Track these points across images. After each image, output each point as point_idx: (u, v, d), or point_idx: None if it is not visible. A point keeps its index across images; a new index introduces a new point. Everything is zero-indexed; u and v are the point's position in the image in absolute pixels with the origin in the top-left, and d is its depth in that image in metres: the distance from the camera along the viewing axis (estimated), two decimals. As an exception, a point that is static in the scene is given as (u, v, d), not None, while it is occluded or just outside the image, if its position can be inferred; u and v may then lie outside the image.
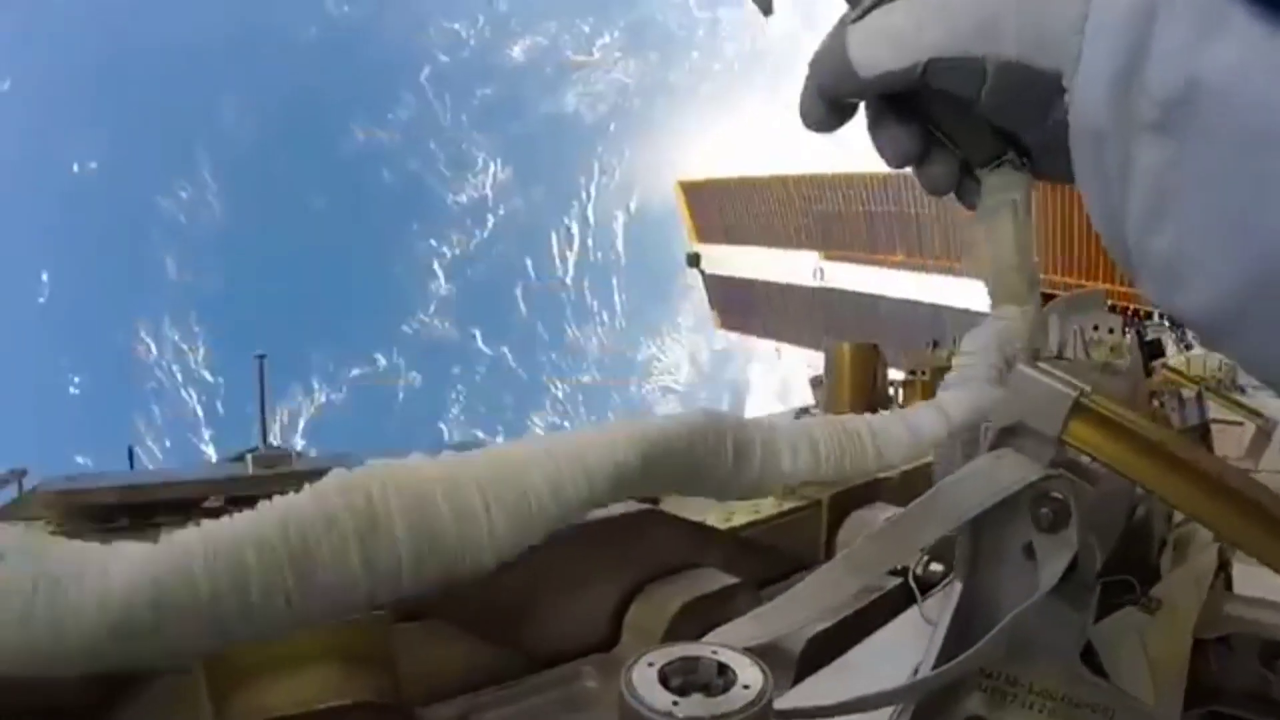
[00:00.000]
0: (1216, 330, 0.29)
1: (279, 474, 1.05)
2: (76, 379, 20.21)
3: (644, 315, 22.64)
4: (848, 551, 0.42)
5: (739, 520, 0.94)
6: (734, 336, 24.53)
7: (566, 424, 22.97)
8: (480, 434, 21.54)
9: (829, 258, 12.59)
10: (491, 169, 21.31)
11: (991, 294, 0.47)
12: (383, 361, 20.67)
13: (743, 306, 14.81)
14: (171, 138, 20.03)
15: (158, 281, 20.03)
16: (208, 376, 20.25)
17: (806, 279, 12.88)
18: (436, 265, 20.76)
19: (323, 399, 20.55)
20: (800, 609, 0.45)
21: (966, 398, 0.42)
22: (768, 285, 13.60)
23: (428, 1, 21.46)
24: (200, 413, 20.26)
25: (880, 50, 0.40)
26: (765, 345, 24.87)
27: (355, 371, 20.52)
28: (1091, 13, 0.31)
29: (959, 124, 0.43)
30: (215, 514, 1.18)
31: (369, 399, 20.54)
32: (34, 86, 20.32)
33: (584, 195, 21.97)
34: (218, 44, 20.48)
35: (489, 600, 0.66)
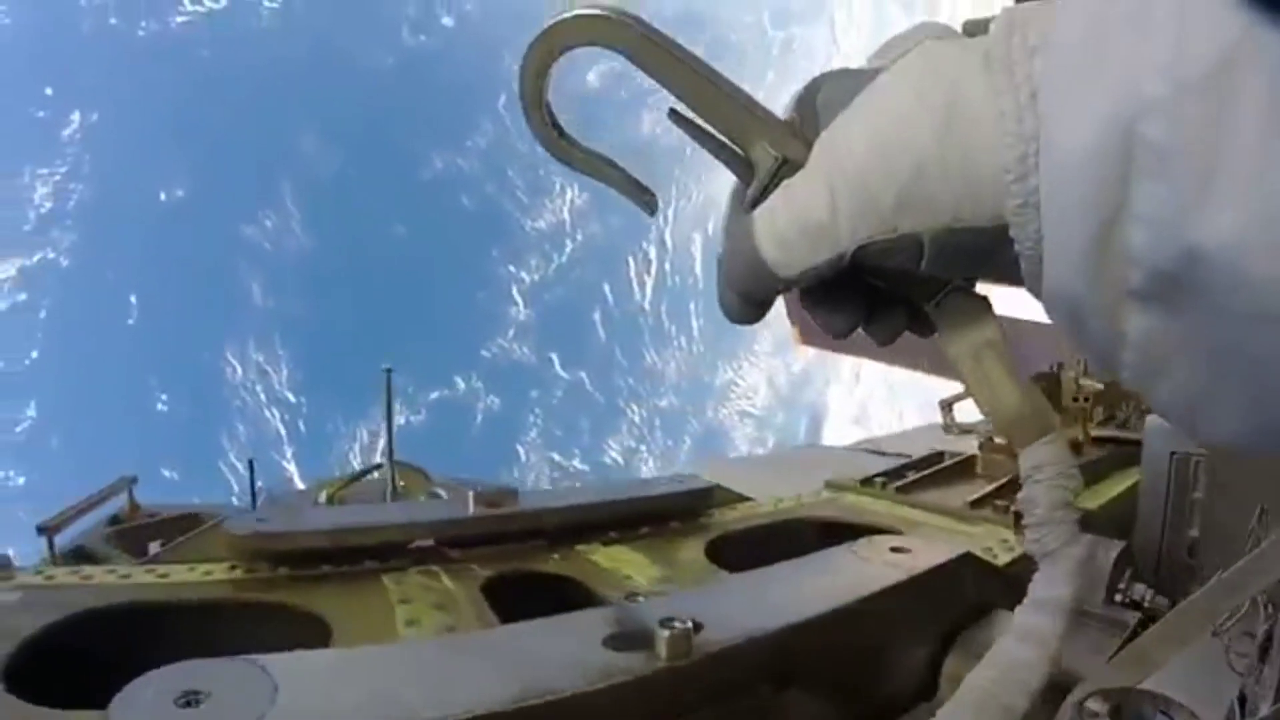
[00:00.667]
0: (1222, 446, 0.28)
1: (503, 514, 0.98)
2: (164, 396, 20.54)
3: (721, 339, 22.35)
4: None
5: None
6: (812, 358, 24.23)
7: (642, 447, 22.83)
8: (556, 456, 21.45)
9: None
10: (569, 194, 21.24)
11: (1009, 439, 0.44)
12: (462, 385, 20.67)
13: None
14: (254, 166, 20.33)
15: (243, 305, 20.30)
16: (290, 397, 20.47)
17: None
18: (515, 290, 20.73)
19: (402, 420, 20.61)
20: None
21: (1065, 591, 0.44)
22: None
23: (500, 29, 21.47)
24: (283, 431, 20.50)
25: (796, 248, 0.37)
26: (844, 368, 24.49)
27: (434, 394, 20.55)
28: (1043, 163, 0.29)
29: (901, 276, 0.39)
30: (424, 556, 1.00)
31: (448, 421, 20.57)
32: (121, 118, 20.77)
33: (661, 219, 21.76)
34: (296, 74, 20.77)
35: (840, 660, 0.65)
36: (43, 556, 2.36)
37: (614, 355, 21.46)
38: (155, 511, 3.19)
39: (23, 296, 21.10)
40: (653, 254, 21.64)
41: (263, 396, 20.35)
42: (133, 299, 20.43)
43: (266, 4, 20.78)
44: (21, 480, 20.42)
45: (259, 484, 2.96)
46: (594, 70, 21.99)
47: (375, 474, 2.97)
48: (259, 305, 20.25)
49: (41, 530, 2.55)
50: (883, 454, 3.57)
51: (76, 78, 21.09)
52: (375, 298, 20.21)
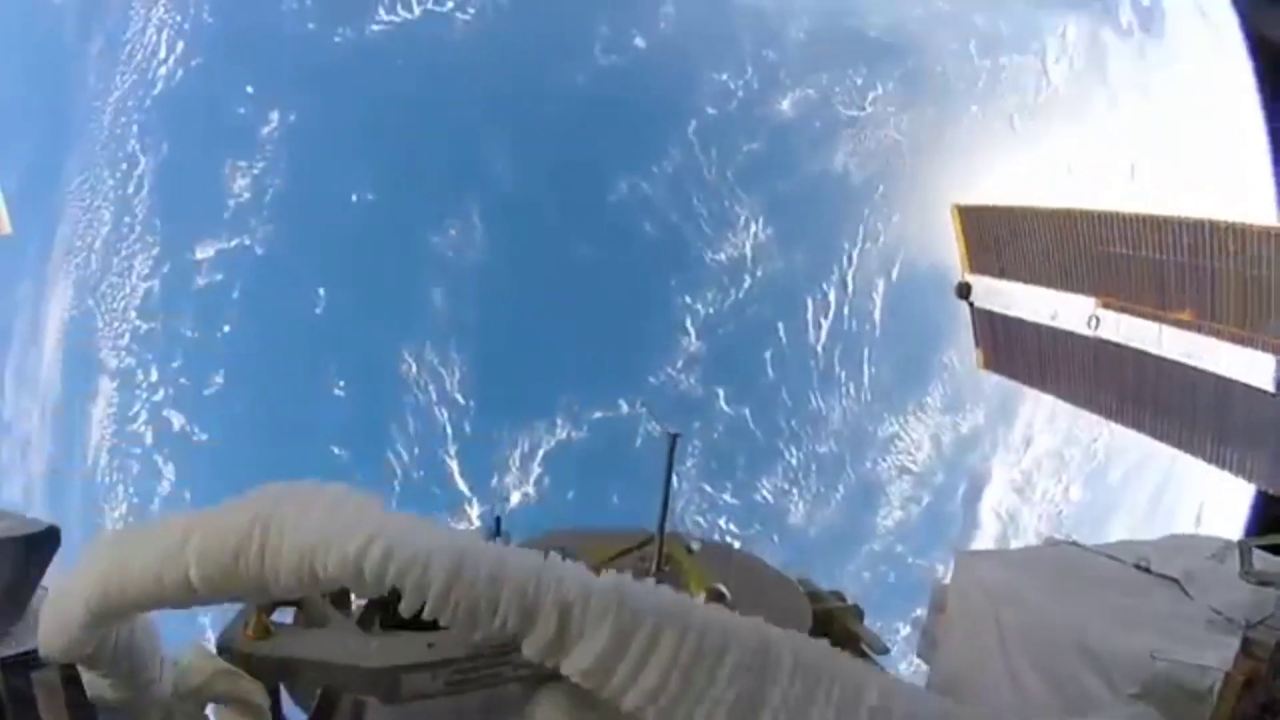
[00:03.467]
0: None
1: None
2: (341, 383, 21.30)
3: (893, 390, 21.40)
4: None
5: None
6: (982, 423, 22.93)
7: (794, 490, 22.25)
8: (708, 488, 21.16)
9: (1107, 305, 11.42)
10: (753, 228, 20.57)
11: None
12: (625, 408, 20.55)
13: (1010, 348, 13.92)
14: (442, 176, 20.58)
15: (423, 309, 20.76)
16: (460, 399, 20.92)
17: (1080, 325, 11.91)
18: (689, 321, 20.33)
19: (564, 435, 20.75)
20: None
21: None
22: (1039, 328, 12.68)
23: (697, 50, 20.82)
24: (449, 430, 21.03)
25: None
26: (1015, 434, 23.11)
27: (598, 414, 20.53)
28: None
29: None
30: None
31: (607, 441, 20.57)
32: (317, 120, 21.40)
33: (845, 261, 20.86)
34: (486, 88, 20.81)
35: None
36: None
37: (780, 395, 20.85)
38: None
39: (219, 277, 22.24)
40: (832, 296, 20.80)
41: (434, 395, 20.86)
42: (320, 291, 21.15)
43: (460, 16, 20.79)
44: (205, 436, 21.79)
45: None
46: (788, 98, 21.13)
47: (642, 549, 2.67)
48: (439, 310, 20.63)
49: None
50: (1149, 570, 2.99)
51: (276, 79, 21.81)
52: (550, 314, 20.24)
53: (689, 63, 20.81)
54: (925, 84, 22.20)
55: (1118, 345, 10.92)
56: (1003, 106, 22.86)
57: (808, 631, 2.48)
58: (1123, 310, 10.86)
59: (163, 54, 23.82)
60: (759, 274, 20.51)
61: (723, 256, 20.45)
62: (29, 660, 2.35)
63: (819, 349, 20.74)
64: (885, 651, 2.97)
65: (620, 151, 20.60)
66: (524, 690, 2.18)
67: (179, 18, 23.82)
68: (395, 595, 2.71)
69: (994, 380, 22.93)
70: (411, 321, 20.44)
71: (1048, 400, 22.41)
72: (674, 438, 2.61)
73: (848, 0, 22.29)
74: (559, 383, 19.98)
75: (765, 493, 21.41)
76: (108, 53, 24.41)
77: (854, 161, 21.31)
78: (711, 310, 20.35)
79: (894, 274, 20.94)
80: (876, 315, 20.96)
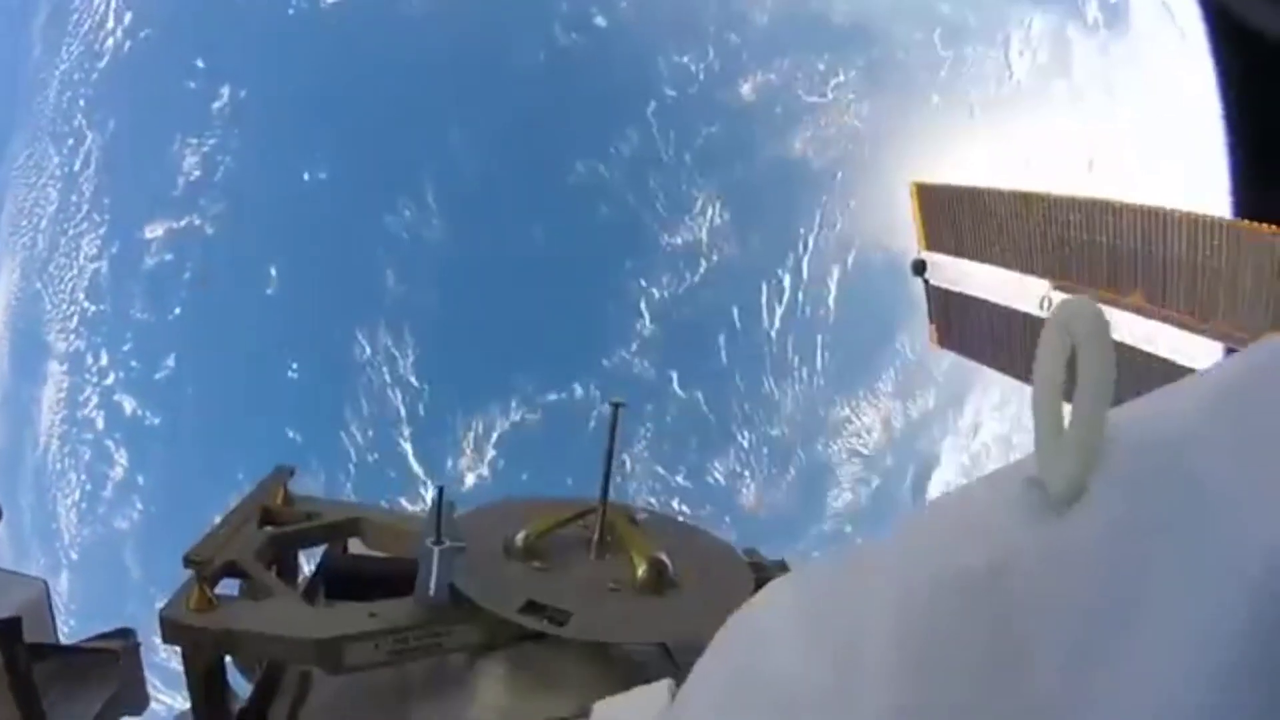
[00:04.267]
0: None
1: None
2: (295, 365, 21.11)
3: (844, 375, 21.60)
4: None
5: None
6: (931, 409, 23.25)
7: (746, 473, 22.47)
8: (660, 469, 21.31)
9: (1060, 288, 11.74)
10: (710, 213, 20.54)
11: None
12: (579, 391, 20.56)
13: (963, 326, 14.21)
14: (397, 155, 20.29)
15: (377, 290, 20.59)
16: (414, 381, 20.81)
17: (1033, 307, 12.22)
18: (644, 305, 20.32)
19: (517, 418, 20.74)
20: None
21: None
22: (992, 307, 12.98)
23: (658, 31, 20.64)
24: (403, 412, 21.00)
25: None
26: (964, 421, 23.47)
27: (552, 396, 20.52)
28: None
29: None
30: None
31: (561, 424, 20.60)
32: (269, 96, 20.97)
33: (801, 247, 20.93)
34: (444, 64, 20.48)
35: None
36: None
37: (733, 379, 20.96)
38: (314, 511, 2.90)
39: (169, 257, 21.85)
40: (787, 282, 20.87)
41: (387, 377, 20.74)
42: (272, 271, 20.87)
43: (419, -11, 20.42)
44: (157, 420, 21.58)
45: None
46: (749, 82, 21.04)
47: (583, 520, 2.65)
48: (392, 291, 20.45)
49: (189, 562, 2.41)
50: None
51: (227, 52, 21.32)
52: (505, 297, 20.14)
53: (650, 43, 20.64)
54: (888, 72, 22.21)
55: None
56: (964, 97, 22.95)
57: (747, 592, 2.46)
58: (1074, 292, 11.10)
59: (110, 24, 23.16)
60: (715, 259, 20.55)
61: (679, 240, 20.44)
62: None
63: (773, 334, 20.87)
64: None
65: (578, 132, 20.42)
66: (466, 660, 2.23)
67: (127, -15, 23.18)
68: (340, 567, 2.79)
69: (945, 366, 23.35)
70: (365, 303, 20.25)
71: (996, 387, 22.79)
72: (616, 406, 2.61)
73: (813, -18, 22.22)
74: (513, 365, 19.93)
75: (717, 475, 21.59)
76: (55, 21, 23.71)
77: (813, 148, 21.32)
78: (667, 294, 20.37)
79: (849, 261, 21.07)
80: (831, 301, 21.11)
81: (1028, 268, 12.04)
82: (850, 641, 0.56)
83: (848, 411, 21.97)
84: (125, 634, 3.06)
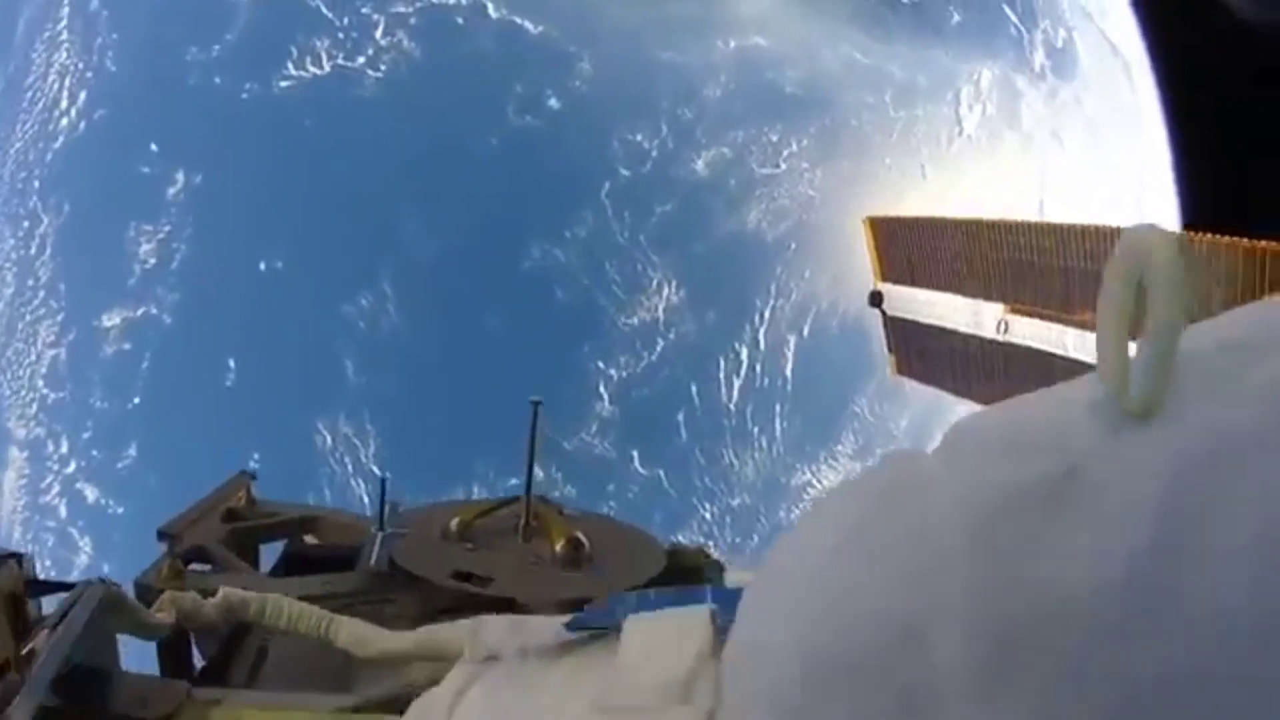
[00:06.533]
0: None
1: None
2: (256, 455, 21.03)
3: (804, 442, 21.87)
4: None
5: None
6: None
7: (710, 544, 22.72)
8: (625, 545, 21.49)
9: (1014, 311, 11.99)
10: (665, 291, 20.70)
11: None
12: (540, 474, 20.61)
13: (921, 353, 14.38)
14: (353, 242, 20.29)
15: (337, 380, 20.56)
16: (375, 470, 20.81)
17: (989, 331, 12.43)
18: (602, 386, 20.48)
19: (481, 503, 20.85)
20: None
21: None
22: (949, 334, 13.16)
23: (613, 109, 20.71)
24: (366, 501, 20.92)
25: None
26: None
27: (513, 481, 20.58)
28: None
29: None
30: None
31: (523, 507, 20.71)
32: (224, 182, 20.89)
33: (757, 319, 21.14)
34: (398, 148, 20.47)
35: None
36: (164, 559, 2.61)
37: (693, 454, 21.17)
38: (274, 511, 3.42)
39: (127, 346, 21.78)
40: (745, 355, 21.09)
41: (349, 467, 20.75)
42: (231, 362, 20.84)
43: (371, 73, 20.38)
44: (121, 510, 21.51)
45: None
46: (702, 158, 21.16)
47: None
48: (351, 381, 20.45)
49: (163, 535, 2.83)
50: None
51: (181, 136, 21.20)
52: (465, 383, 20.20)
53: (604, 122, 20.72)
54: (841, 138, 22.41)
55: (1026, 347, 11.35)
56: (915, 157, 23.18)
57: (658, 569, 2.78)
58: (1030, 314, 11.29)
59: (64, 104, 23.02)
60: (671, 336, 20.72)
61: (635, 320, 20.60)
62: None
63: (731, 407, 21.10)
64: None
65: (533, 216, 20.50)
66: (407, 627, 2.58)
67: (81, 64, 23.00)
68: (298, 553, 3.21)
69: (904, 424, 23.72)
70: (325, 393, 20.27)
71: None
72: (536, 404, 3.09)
73: (766, 54, 22.32)
74: (475, 451, 19.98)
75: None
76: (9, 97, 23.52)
77: (767, 220, 21.51)
78: (625, 374, 20.52)
79: (805, 330, 21.30)
80: (789, 370, 21.35)
81: (982, 293, 12.20)
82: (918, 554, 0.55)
83: (809, 476, 22.26)
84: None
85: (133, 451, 21.32)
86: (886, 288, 14.73)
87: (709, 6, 22.64)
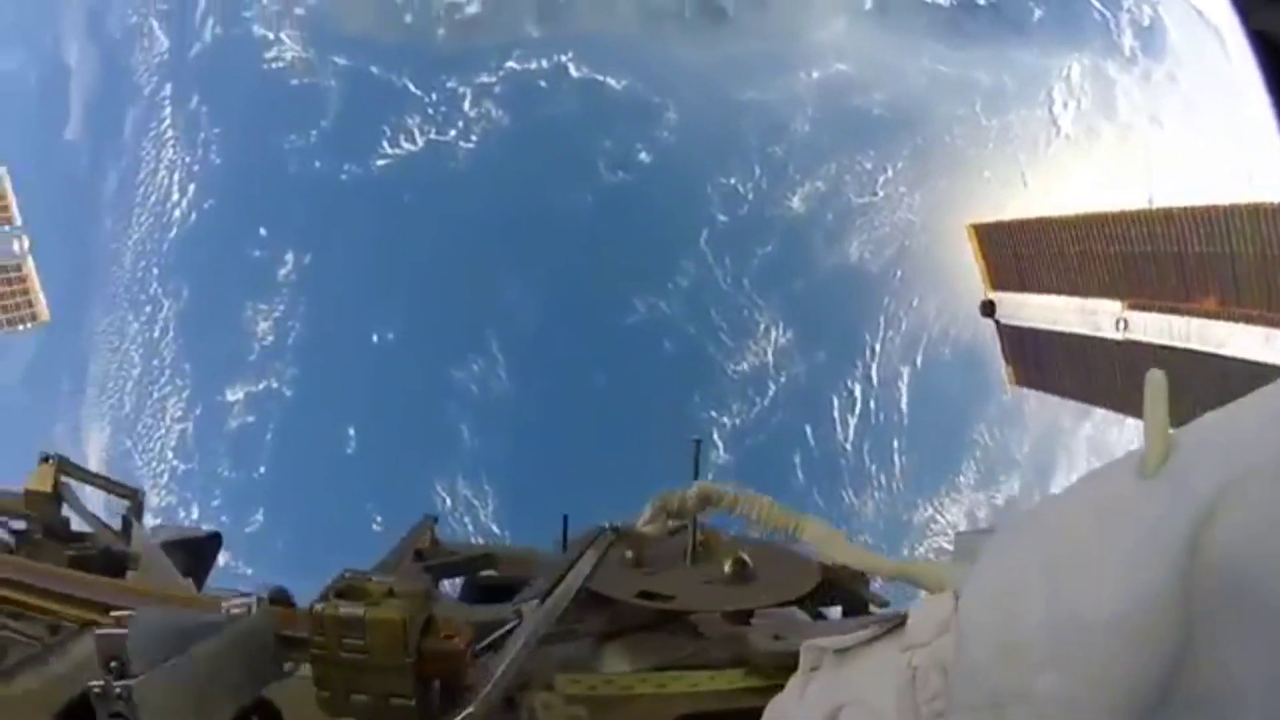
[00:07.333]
0: None
1: None
2: (379, 518, 21.67)
3: (923, 476, 21.24)
4: None
5: None
6: (1017, 490, 22.64)
7: (834, 583, 22.29)
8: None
9: (1133, 306, 11.14)
10: (773, 334, 20.44)
11: None
12: (675, 516, 20.67)
13: (1038, 361, 13.68)
14: (460, 312, 20.75)
15: (453, 443, 20.98)
16: (495, 529, 21.13)
17: (1108, 330, 11.60)
18: (716, 435, 20.29)
19: (601, 557, 20.96)
20: None
21: None
22: (1066, 337, 12.43)
23: (703, 155, 20.62)
24: (491, 557, 21.33)
25: None
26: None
27: (634, 529, 20.67)
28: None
29: None
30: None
31: (642, 556, 20.69)
32: (332, 259, 21.65)
33: (868, 353, 20.66)
34: (495, 216, 20.85)
35: None
36: None
37: (811, 496, 20.75)
38: (455, 550, 3.86)
39: (251, 419, 22.71)
40: (858, 391, 20.63)
41: (470, 526, 21.14)
42: (350, 431, 21.47)
43: (463, 144, 20.82)
44: (250, 571, 22.34)
45: None
46: (798, 194, 20.85)
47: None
48: (467, 443, 20.84)
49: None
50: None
51: (288, 219, 22.08)
52: (578, 440, 20.34)
53: (696, 170, 20.64)
54: (935, 156, 21.77)
55: (1148, 344, 10.65)
56: (1014, 165, 22.34)
57: (813, 584, 3.06)
58: (1149, 308, 10.63)
59: (175, 196, 24.27)
60: (782, 379, 20.42)
61: (745, 366, 20.37)
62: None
63: (847, 446, 20.64)
64: (885, 605, 3.35)
65: (634, 270, 20.54)
66: (596, 645, 2.85)
67: (188, 159, 24.23)
68: (480, 585, 3.90)
69: (1027, 449, 22.77)
70: (442, 456, 20.70)
71: (1083, 457, 22.03)
72: (697, 443, 3.36)
73: (849, 80, 21.89)
74: (592, 507, 20.00)
75: (806, 591, 21.49)
76: (123, 193, 24.92)
77: (869, 250, 21.03)
78: (738, 421, 20.31)
79: (918, 360, 20.72)
80: (904, 404, 20.79)
81: (1096, 291, 11.54)
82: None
83: (931, 511, 21.60)
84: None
85: (259, 517, 22.21)
86: (998, 295, 14.14)
87: (784, 40, 22.35)
